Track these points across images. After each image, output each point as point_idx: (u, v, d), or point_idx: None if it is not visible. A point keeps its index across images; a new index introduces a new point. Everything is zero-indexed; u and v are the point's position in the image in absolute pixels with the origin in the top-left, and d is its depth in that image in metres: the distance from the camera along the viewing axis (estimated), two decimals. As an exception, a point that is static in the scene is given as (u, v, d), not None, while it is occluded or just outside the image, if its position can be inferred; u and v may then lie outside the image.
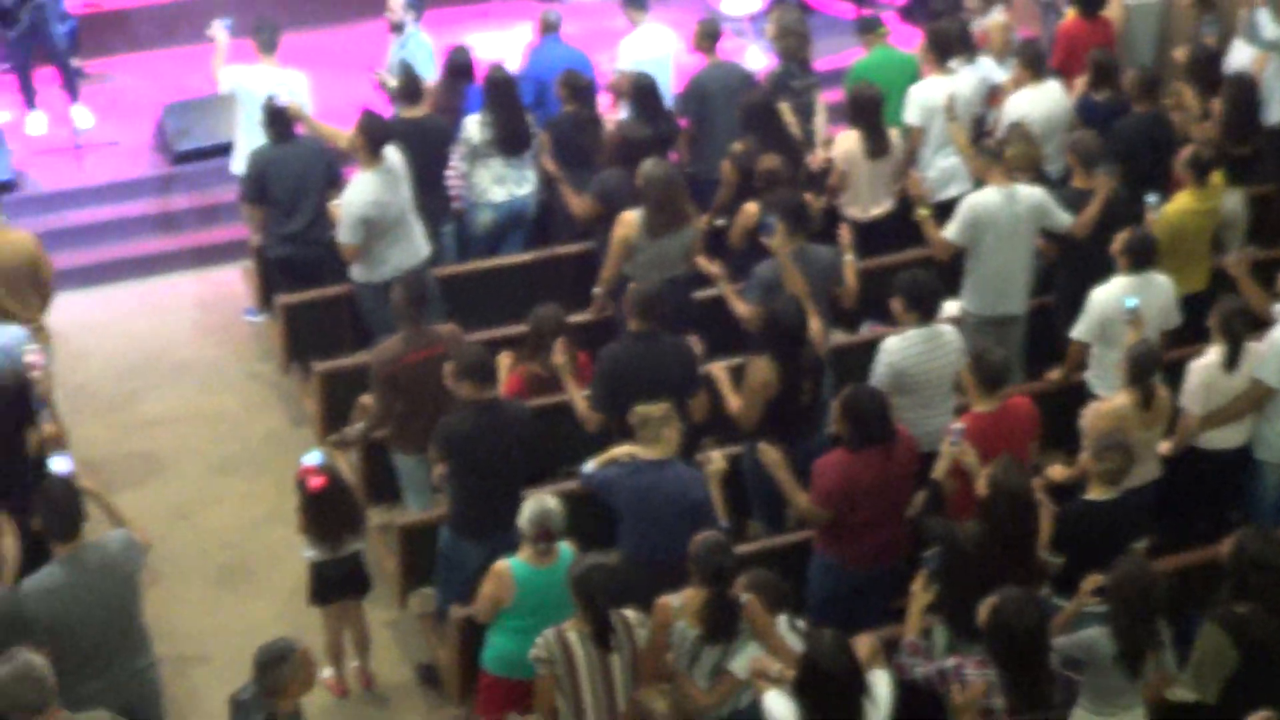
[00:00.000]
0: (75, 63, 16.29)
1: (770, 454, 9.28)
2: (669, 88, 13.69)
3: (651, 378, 9.73)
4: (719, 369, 10.20)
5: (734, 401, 9.98)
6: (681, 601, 8.19)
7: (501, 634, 8.76)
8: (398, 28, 14.10)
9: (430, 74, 13.70)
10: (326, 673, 10.15)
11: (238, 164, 13.47)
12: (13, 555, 8.94)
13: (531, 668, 8.16)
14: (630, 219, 11.17)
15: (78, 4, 16.97)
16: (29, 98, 16.24)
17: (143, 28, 18.21)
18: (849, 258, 11.02)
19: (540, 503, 8.55)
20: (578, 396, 10.15)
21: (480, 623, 8.88)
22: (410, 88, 12.76)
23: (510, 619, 8.68)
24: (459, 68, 13.36)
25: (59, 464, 9.22)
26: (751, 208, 11.37)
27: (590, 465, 9.26)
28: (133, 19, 18.32)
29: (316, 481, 9.47)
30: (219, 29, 13.65)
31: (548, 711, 8.16)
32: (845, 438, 9.10)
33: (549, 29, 14.07)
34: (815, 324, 10.28)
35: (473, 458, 9.43)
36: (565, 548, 8.64)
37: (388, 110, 12.87)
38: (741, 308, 10.85)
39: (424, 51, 14.09)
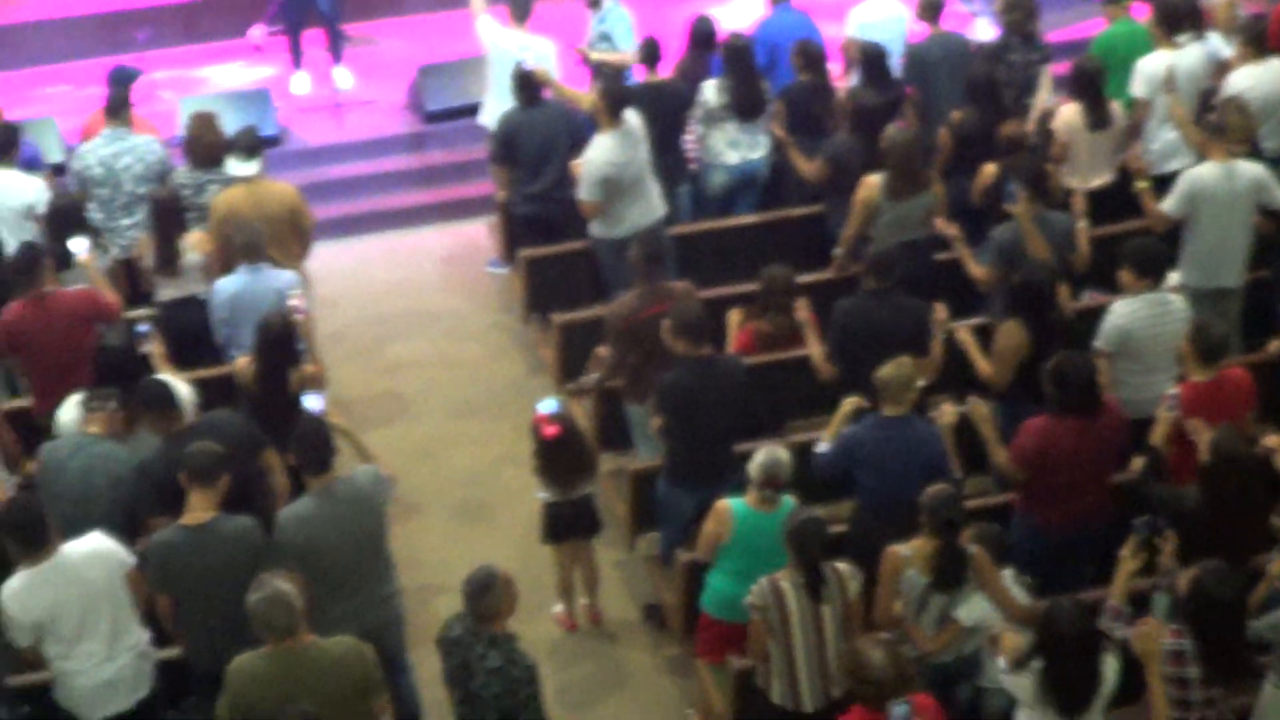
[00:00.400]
0: (343, 27, 16.57)
1: (979, 409, 9.22)
2: (897, 57, 13.58)
3: (883, 335, 9.68)
4: (964, 332, 10.12)
5: (984, 365, 9.91)
6: (911, 550, 8.21)
7: (719, 577, 8.84)
8: (595, 2, 14.05)
9: (629, 45, 13.68)
10: (557, 608, 10.29)
11: (485, 117, 13.67)
12: (284, 490, 9.20)
13: (746, 612, 8.23)
14: (872, 182, 11.13)
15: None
16: (297, 59, 16.53)
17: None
18: (1082, 224, 10.90)
19: (772, 452, 8.61)
20: (816, 349, 10.14)
21: (702, 565, 8.95)
22: (651, 52, 12.79)
23: (727, 561, 8.77)
24: (703, 37, 13.33)
25: (311, 402, 9.42)
26: (990, 168, 11.30)
27: (823, 445, 9.16)
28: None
29: (550, 430, 9.59)
30: None
31: (760, 655, 8.23)
32: (1051, 402, 9.00)
33: None
34: (1063, 288, 10.18)
35: (687, 411, 9.49)
36: (788, 499, 8.67)
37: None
38: (977, 270, 10.79)
39: (623, 24, 14.01)
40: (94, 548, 8.12)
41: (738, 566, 8.69)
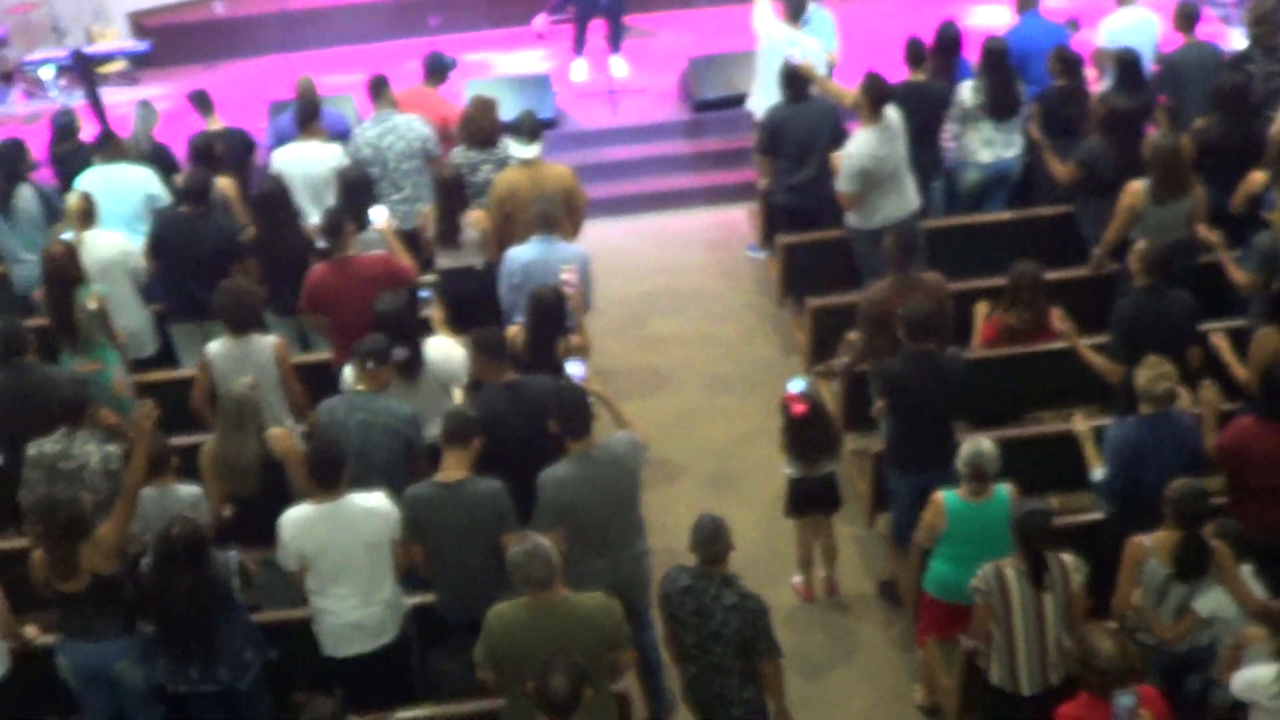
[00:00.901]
0: (625, 20, 16.72)
1: (1207, 392, 9.08)
2: (1148, 65, 13.32)
3: (1159, 329, 9.55)
4: (1219, 337, 9.85)
5: (1239, 369, 9.65)
6: (1154, 541, 8.08)
7: (940, 561, 8.80)
8: (795, 16, 13.74)
9: (833, 46, 13.75)
10: (796, 579, 10.29)
11: (753, 105, 13.68)
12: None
13: (966, 593, 8.20)
14: (1137, 188, 10.90)
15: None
16: (578, 47, 16.72)
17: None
18: None
19: (975, 444, 8.55)
20: (1093, 356, 9.93)
21: (924, 548, 8.93)
22: (914, 53, 12.69)
23: (945, 547, 8.73)
24: (949, 41, 13.21)
25: (573, 368, 9.46)
26: (1259, 176, 11.00)
27: (1098, 473, 8.94)
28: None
29: (799, 408, 9.58)
30: None
31: (983, 637, 8.17)
32: (1260, 405, 8.80)
33: (1027, 4, 13.81)
34: None
35: (905, 398, 9.42)
36: (1001, 488, 8.60)
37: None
38: (1239, 275, 10.52)
39: (827, 25, 13.98)
40: (374, 505, 8.30)
41: (955, 552, 8.66)
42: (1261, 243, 10.46)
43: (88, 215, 11.42)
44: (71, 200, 11.52)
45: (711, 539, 7.75)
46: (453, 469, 8.30)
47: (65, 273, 10.42)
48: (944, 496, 8.64)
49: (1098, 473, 8.93)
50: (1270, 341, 9.49)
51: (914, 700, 9.35)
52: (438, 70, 13.53)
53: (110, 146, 12.55)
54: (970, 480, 8.54)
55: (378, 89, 12.69)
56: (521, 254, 10.78)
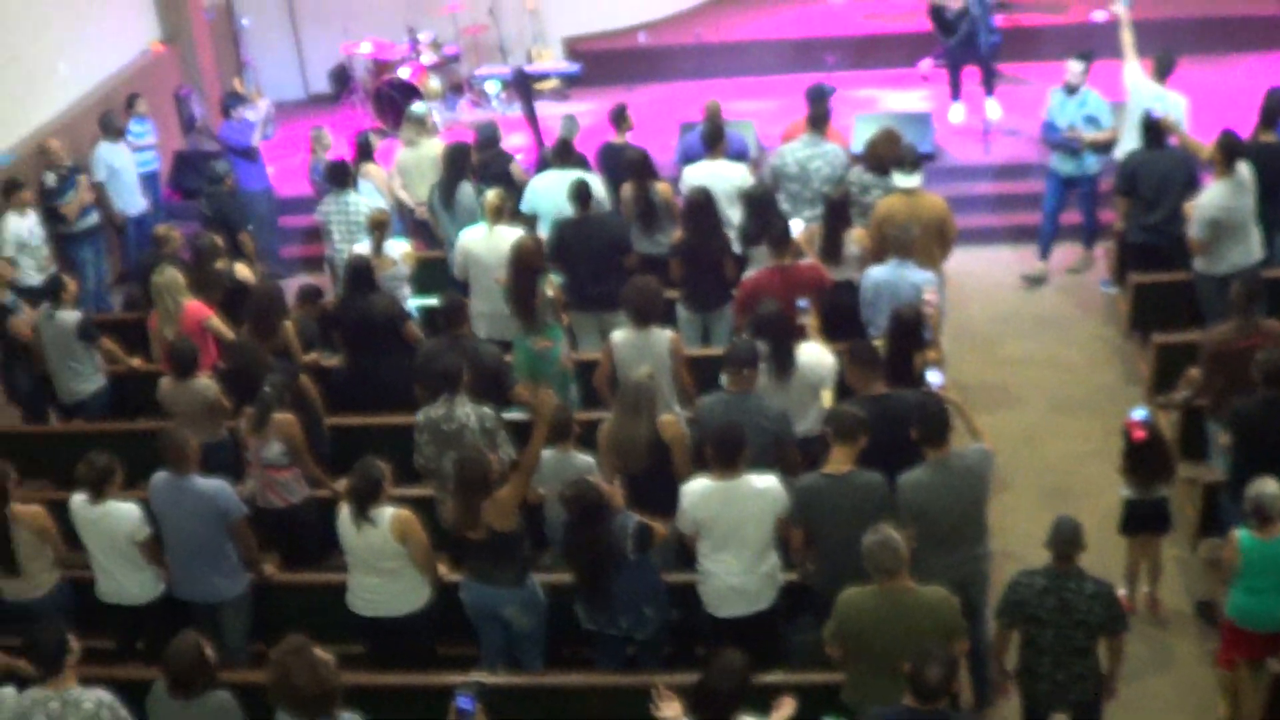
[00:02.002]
0: (997, 66, 16.50)
1: None
2: None
3: None
4: None
5: None
6: None
7: (1239, 592, 8.41)
8: (1073, 90, 13.57)
9: (1110, 123, 13.46)
10: (1120, 591, 9.97)
11: (1118, 151, 13.37)
12: None
13: (1265, 622, 8.00)
14: None
15: (1001, 19, 17.15)
16: (955, 91, 16.59)
17: (1047, 44, 18.26)
18: None
19: (1259, 486, 8.18)
20: None
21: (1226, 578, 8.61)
22: (1270, 116, 12.23)
23: (1244, 580, 8.34)
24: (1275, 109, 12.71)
25: (932, 377, 9.41)
26: None
27: None
28: (1044, 35, 18.41)
29: (1139, 434, 9.33)
30: (1121, 6, 13.86)
31: None
32: None
33: None
34: None
35: (1255, 438, 9.06)
36: None
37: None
38: None
39: (1103, 107, 13.58)
40: (766, 486, 8.31)
41: (1252, 584, 8.31)
42: None
43: (500, 212, 11.76)
44: (490, 196, 11.88)
45: (1072, 539, 7.73)
46: (840, 461, 8.30)
47: (531, 262, 10.67)
48: (1239, 534, 8.29)
49: None
50: None
51: (1217, 716, 9.02)
52: (819, 100, 13.54)
53: (564, 154, 12.91)
54: (1255, 519, 8.19)
55: (818, 119, 12.72)
56: (875, 274, 10.76)
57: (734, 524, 8.28)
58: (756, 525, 8.29)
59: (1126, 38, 13.58)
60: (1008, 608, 7.81)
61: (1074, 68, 13.61)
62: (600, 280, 11.32)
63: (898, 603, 7.37)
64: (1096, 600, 7.63)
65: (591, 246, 11.62)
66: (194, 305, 11.43)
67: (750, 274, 10.98)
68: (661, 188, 12.40)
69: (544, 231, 12.04)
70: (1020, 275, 14.22)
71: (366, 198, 13.21)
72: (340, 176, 13.13)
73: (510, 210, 12.07)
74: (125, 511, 8.94)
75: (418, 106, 14.61)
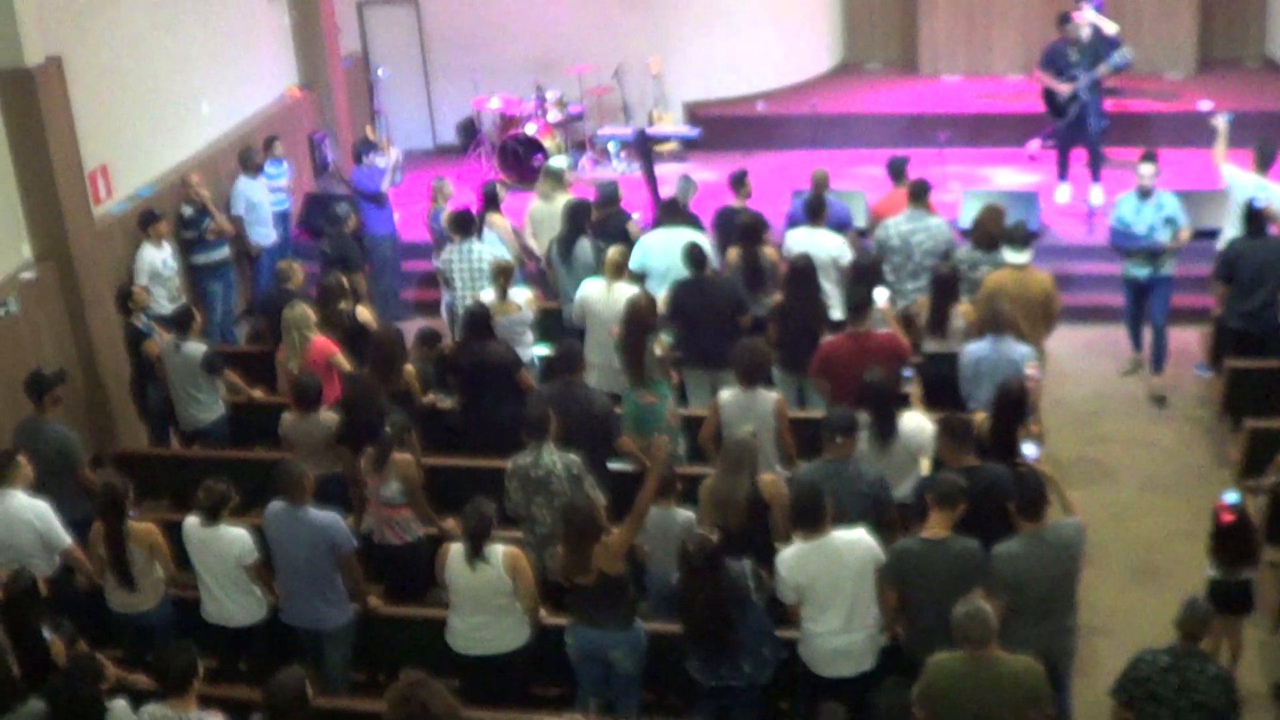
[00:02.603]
0: (1104, 150, 16.48)
1: None
2: None
3: None
4: None
5: None
6: None
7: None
8: (1146, 194, 13.07)
9: (1185, 221, 13.14)
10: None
11: (1221, 241, 13.28)
12: None
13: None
14: None
15: (1110, 104, 17.13)
16: (1063, 171, 16.62)
17: (1154, 130, 18.25)
18: None
19: None
20: None
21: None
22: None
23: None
24: None
25: (1028, 449, 9.39)
26: None
27: None
28: (1151, 121, 18.39)
29: (1228, 516, 9.28)
30: (1221, 122, 13.59)
31: None
32: None
33: None
34: None
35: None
36: None
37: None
38: None
39: (1176, 205, 13.19)
40: (856, 538, 8.35)
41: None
42: None
43: (620, 268, 11.92)
44: (612, 253, 12.05)
45: (1204, 620, 7.69)
46: (936, 527, 8.30)
47: (644, 319, 10.77)
48: None
49: None
50: None
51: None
52: (899, 173, 13.64)
53: (673, 212, 13.09)
54: None
55: (919, 194, 12.81)
56: (975, 350, 10.77)
57: (833, 581, 8.30)
58: (856, 577, 8.31)
59: (1220, 149, 13.50)
60: (1128, 684, 7.69)
61: (1145, 171, 13.13)
62: (715, 339, 11.40)
63: (986, 670, 7.38)
64: (1218, 683, 7.53)
65: (708, 306, 11.73)
66: (321, 341, 11.64)
67: (827, 339, 11.05)
68: (768, 251, 12.52)
69: (652, 288, 12.16)
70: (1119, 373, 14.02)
71: (489, 246, 13.39)
72: (465, 225, 13.29)
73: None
74: (236, 536, 9.15)
75: (557, 161, 14.82)
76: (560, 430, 9.61)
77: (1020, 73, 20.19)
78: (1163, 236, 12.99)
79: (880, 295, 11.28)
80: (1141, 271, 13.22)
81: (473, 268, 13.10)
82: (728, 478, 9.07)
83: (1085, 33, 16.33)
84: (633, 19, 19.58)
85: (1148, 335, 13.60)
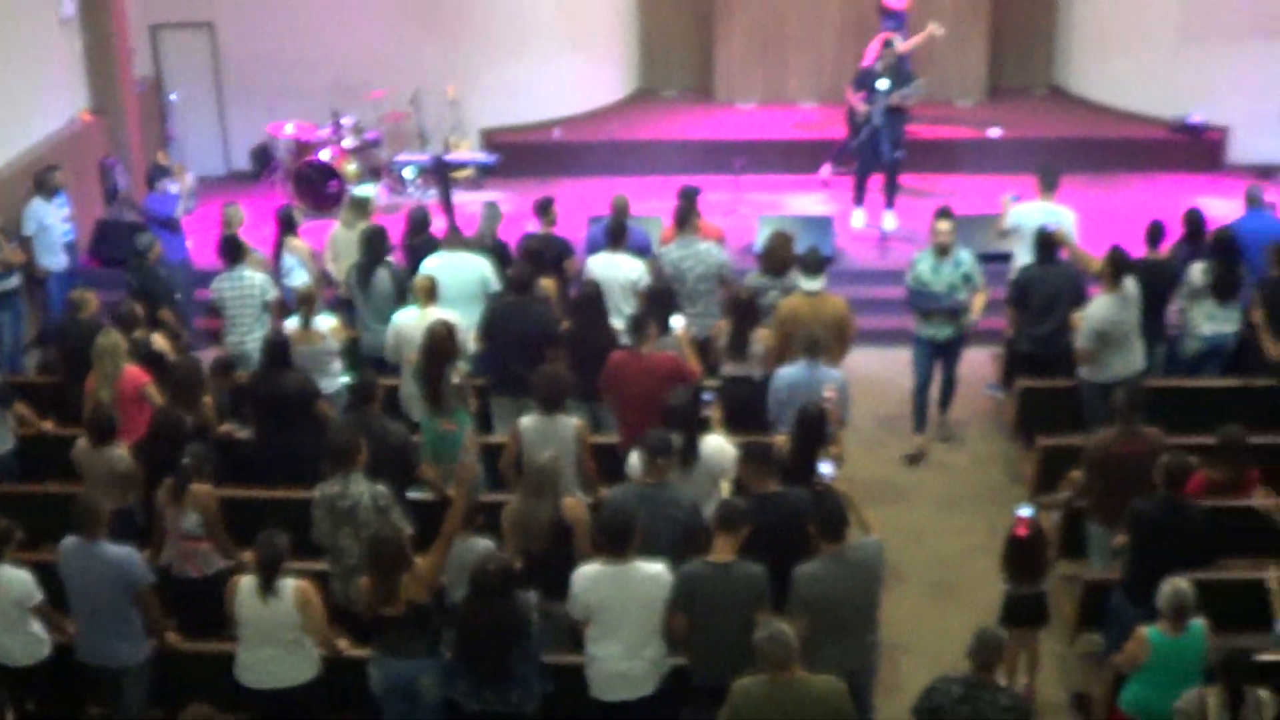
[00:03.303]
0: (898, 179, 16.77)
1: None
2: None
3: None
4: None
5: None
6: None
7: (1139, 684, 8.51)
8: (944, 251, 12.73)
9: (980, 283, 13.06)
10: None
11: (1012, 268, 13.52)
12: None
13: (1159, 715, 8.04)
14: None
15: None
16: (859, 197, 16.85)
17: (951, 155, 18.64)
18: None
19: (1175, 586, 8.27)
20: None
21: (1121, 672, 8.70)
22: (1154, 235, 12.57)
23: (1145, 674, 8.44)
24: (1194, 227, 13.09)
25: (825, 468, 9.47)
26: None
27: None
28: (943, 147, 18.77)
29: (1023, 531, 9.44)
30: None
31: None
32: None
33: (1254, 203, 13.67)
34: None
35: (1150, 536, 9.17)
36: (1196, 624, 8.32)
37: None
38: None
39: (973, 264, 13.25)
40: (655, 573, 8.31)
41: (1153, 679, 8.38)
42: None
43: (431, 294, 11.78)
44: (419, 281, 11.90)
45: (995, 650, 7.70)
46: (722, 552, 8.28)
47: (443, 348, 10.65)
48: (1149, 632, 8.37)
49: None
50: None
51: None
52: (685, 200, 13.59)
53: (456, 237, 12.96)
54: (1172, 618, 8.28)
55: (684, 218, 12.85)
56: (789, 374, 10.83)
57: (622, 607, 8.27)
58: (643, 610, 8.29)
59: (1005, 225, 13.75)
60: (923, 713, 7.70)
61: (942, 227, 12.62)
62: (523, 365, 11.26)
63: (789, 692, 7.37)
64: (1010, 713, 7.56)
65: (520, 332, 11.63)
66: (133, 370, 11.26)
67: (613, 354, 11.02)
68: (546, 283, 12.43)
69: (439, 311, 12.00)
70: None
71: (284, 271, 13.13)
72: (233, 252, 12.98)
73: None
74: (15, 577, 8.84)
75: (364, 189, 14.65)
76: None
77: (815, 100, 20.49)
78: (962, 295, 12.65)
79: (677, 321, 11.33)
80: (942, 333, 12.84)
81: (244, 295, 12.82)
82: (530, 502, 9.00)
83: (897, 59, 16.63)
84: (430, 45, 19.42)
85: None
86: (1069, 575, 10.58)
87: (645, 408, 10.18)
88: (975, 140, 19.20)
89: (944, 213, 12.72)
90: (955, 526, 12.05)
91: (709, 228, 13.40)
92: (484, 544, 8.93)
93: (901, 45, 17.12)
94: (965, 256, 12.67)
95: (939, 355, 13.02)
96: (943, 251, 12.61)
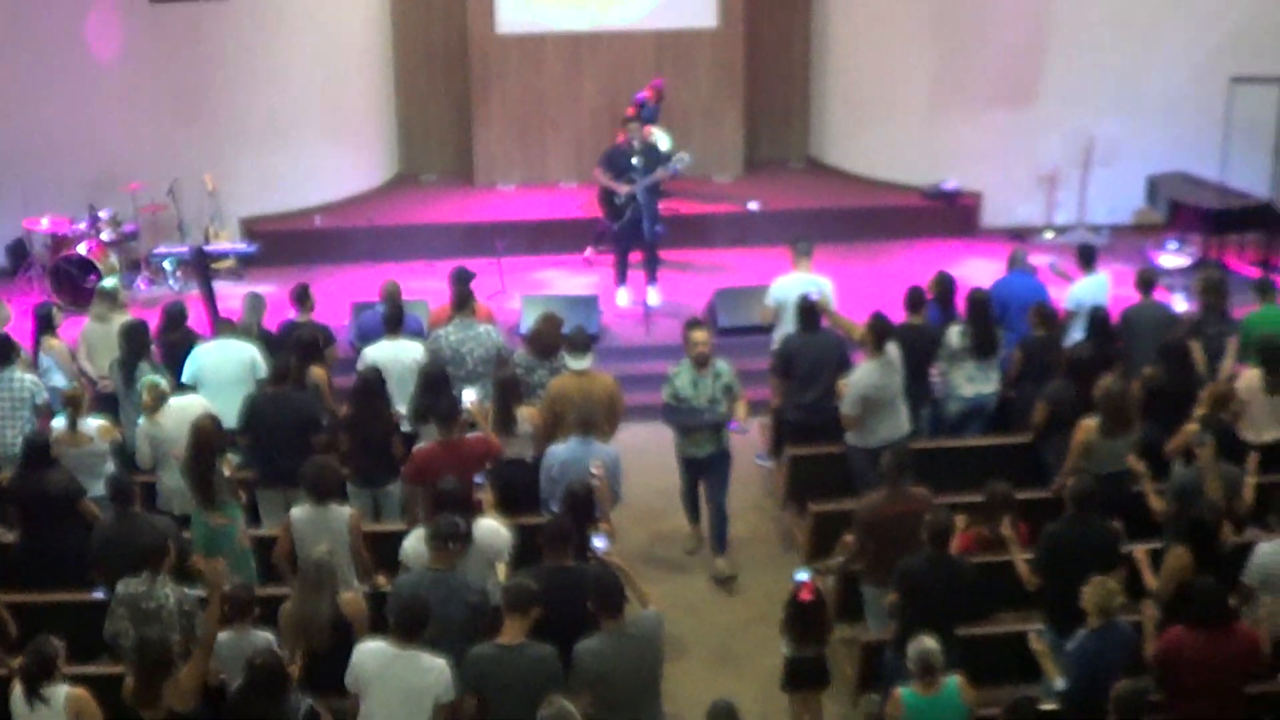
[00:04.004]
0: (659, 254, 16.96)
1: (1148, 610, 9.13)
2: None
3: (1081, 555, 9.48)
4: (1140, 551, 9.86)
5: (1151, 580, 9.67)
6: None
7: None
8: (701, 360, 12.26)
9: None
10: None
11: (776, 343, 13.73)
12: None
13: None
14: (1089, 424, 10.99)
15: (662, 206, 17.59)
16: (622, 275, 17.01)
17: (710, 231, 18.94)
18: (1251, 478, 10.66)
19: (921, 644, 8.46)
20: (1021, 565, 9.95)
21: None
22: (913, 300, 12.89)
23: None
24: (944, 291, 13.48)
25: (598, 542, 9.52)
26: (1192, 427, 10.96)
27: (1059, 683, 8.90)
28: (703, 222, 19.05)
29: (805, 594, 9.55)
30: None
31: None
32: (1188, 616, 8.79)
33: (1016, 264, 14.08)
34: (1227, 525, 9.96)
35: (917, 593, 9.37)
36: (951, 680, 8.50)
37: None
38: (1157, 504, 10.57)
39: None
40: (432, 665, 8.21)
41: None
42: (1179, 475, 10.61)
43: (161, 397, 11.54)
44: (148, 382, 11.69)
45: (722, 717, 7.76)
46: (511, 634, 8.28)
47: (210, 442, 10.48)
48: (902, 693, 8.51)
49: (1059, 683, 8.91)
50: (1182, 559, 9.52)
51: None
52: (461, 283, 13.65)
53: (224, 325, 12.81)
54: (922, 676, 8.43)
55: (463, 301, 12.87)
56: (560, 452, 10.86)
57: (388, 692, 8.17)
58: (406, 700, 8.17)
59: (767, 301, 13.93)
60: None
61: (698, 337, 12.01)
62: (289, 456, 11.14)
63: (576, 767, 7.35)
64: None
65: (282, 422, 11.48)
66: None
67: (420, 446, 10.98)
68: (318, 372, 12.31)
69: (207, 399, 11.77)
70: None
71: (40, 372, 12.77)
72: (3, 353, 12.56)
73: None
74: None
75: (109, 281, 14.26)
76: (123, 560, 9.27)
77: (575, 180, 20.66)
78: (723, 409, 12.07)
79: (468, 395, 11.29)
80: (703, 450, 12.22)
81: (13, 396, 12.40)
82: (308, 599, 8.88)
83: (647, 139, 16.82)
84: (187, 134, 19.11)
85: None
86: (847, 638, 10.74)
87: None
88: (735, 214, 19.52)
89: (695, 323, 12.24)
90: (733, 597, 12.11)
91: (481, 308, 13.39)
92: (263, 637, 8.78)
93: (647, 130, 17.26)
94: (723, 367, 12.13)
95: (701, 474, 12.43)
96: (701, 363, 12.03)
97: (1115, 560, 9.71)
